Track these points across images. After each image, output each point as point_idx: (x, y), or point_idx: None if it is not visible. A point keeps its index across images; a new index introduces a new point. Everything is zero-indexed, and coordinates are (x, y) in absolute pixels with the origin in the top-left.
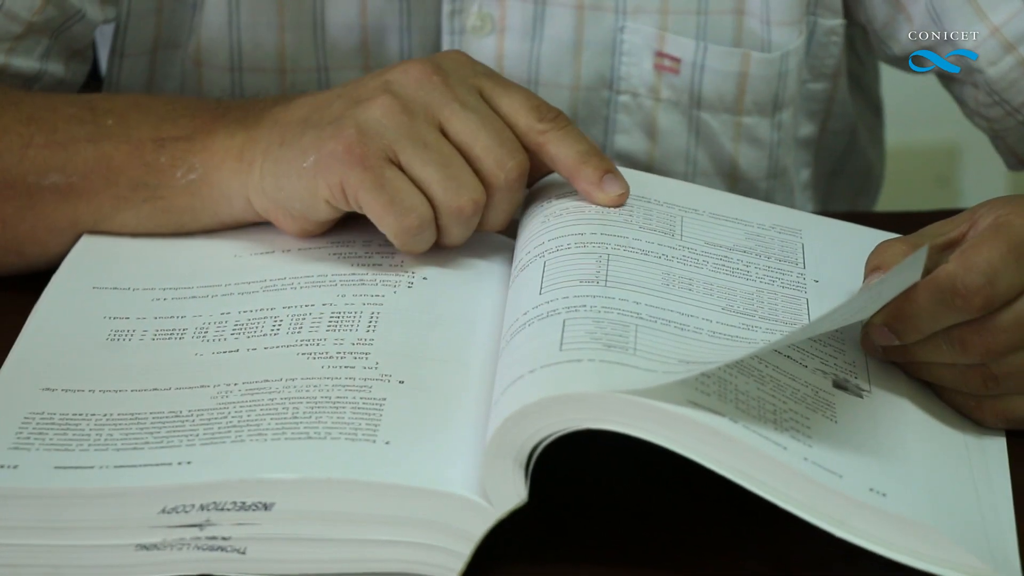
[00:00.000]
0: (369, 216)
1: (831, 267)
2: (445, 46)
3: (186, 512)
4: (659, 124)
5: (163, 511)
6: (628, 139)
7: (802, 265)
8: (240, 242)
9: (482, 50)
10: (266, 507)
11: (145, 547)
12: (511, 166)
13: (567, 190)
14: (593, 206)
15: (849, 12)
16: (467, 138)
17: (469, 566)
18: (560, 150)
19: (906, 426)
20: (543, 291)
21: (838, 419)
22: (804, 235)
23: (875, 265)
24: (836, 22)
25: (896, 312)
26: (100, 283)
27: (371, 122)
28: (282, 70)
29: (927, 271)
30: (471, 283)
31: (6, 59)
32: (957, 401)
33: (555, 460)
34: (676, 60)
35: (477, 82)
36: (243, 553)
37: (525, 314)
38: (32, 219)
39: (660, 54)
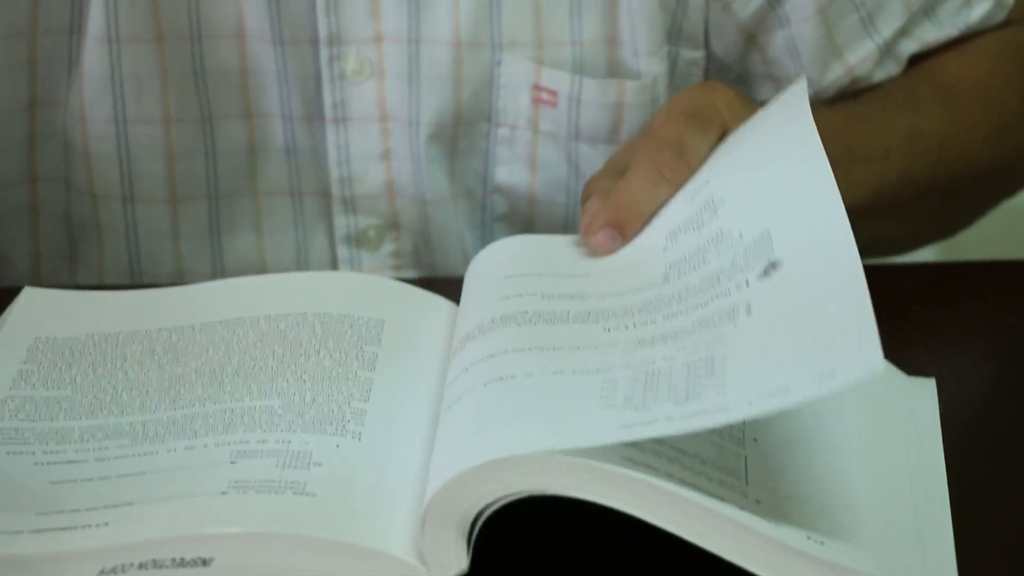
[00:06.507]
0: None
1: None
2: (326, 93)
3: (124, 572)
4: (539, 156)
5: (102, 572)
6: (509, 171)
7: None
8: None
9: (364, 94)
10: (204, 563)
11: None
12: None
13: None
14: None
15: (709, 45)
16: None
17: None
18: None
19: (848, 476)
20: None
21: (773, 469)
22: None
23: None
24: (698, 54)
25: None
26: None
27: None
28: (167, 120)
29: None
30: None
31: None
32: None
33: (498, 527)
34: (553, 93)
35: None
36: None
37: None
38: None
39: (537, 87)
